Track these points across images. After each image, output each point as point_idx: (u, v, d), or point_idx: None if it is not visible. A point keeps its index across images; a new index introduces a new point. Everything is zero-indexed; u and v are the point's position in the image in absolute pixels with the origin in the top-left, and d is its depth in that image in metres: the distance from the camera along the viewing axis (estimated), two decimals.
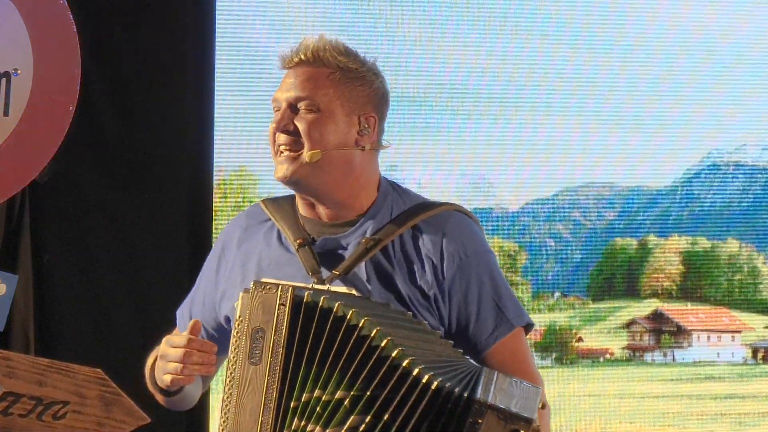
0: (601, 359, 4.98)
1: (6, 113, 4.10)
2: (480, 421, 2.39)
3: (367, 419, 2.45)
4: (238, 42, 5.09)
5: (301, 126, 2.71)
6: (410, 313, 2.64)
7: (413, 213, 2.74)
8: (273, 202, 2.84)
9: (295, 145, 2.70)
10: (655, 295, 4.96)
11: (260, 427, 2.49)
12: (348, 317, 2.49)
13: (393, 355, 2.46)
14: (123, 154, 4.99)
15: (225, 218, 5.13)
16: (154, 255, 4.98)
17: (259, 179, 5.12)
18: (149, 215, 4.99)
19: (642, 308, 4.98)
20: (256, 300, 2.52)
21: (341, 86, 2.73)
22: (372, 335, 2.48)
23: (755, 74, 4.79)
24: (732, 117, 4.81)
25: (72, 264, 4.98)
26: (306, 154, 2.69)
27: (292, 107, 2.72)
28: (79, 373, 3.32)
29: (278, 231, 2.78)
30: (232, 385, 2.52)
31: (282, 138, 2.72)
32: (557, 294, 5.04)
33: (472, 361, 2.56)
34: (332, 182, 2.72)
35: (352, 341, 2.49)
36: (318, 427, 2.48)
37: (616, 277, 5.00)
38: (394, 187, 2.81)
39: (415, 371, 2.44)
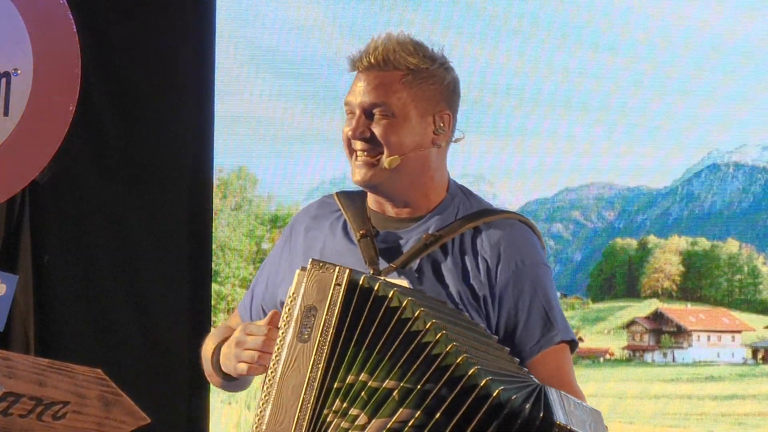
0: (601, 359, 4.98)
1: (6, 113, 4.10)
2: None
3: (417, 414, 2.43)
4: (238, 42, 5.09)
5: (378, 132, 2.72)
6: (466, 314, 2.64)
7: (477, 215, 2.76)
8: (346, 194, 2.87)
9: (373, 150, 2.73)
10: (655, 295, 4.96)
11: (301, 405, 2.47)
12: (403, 306, 2.48)
13: (446, 350, 2.43)
14: (123, 154, 4.99)
15: (225, 218, 5.13)
16: (154, 255, 4.98)
17: (259, 179, 5.12)
18: (149, 215, 4.99)
19: (642, 308, 4.98)
20: (311, 279, 2.51)
21: (414, 88, 2.73)
22: (426, 328, 2.46)
23: (755, 74, 4.79)
24: (732, 117, 4.81)
25: (72, 264, 4.98)
26: (386, 161, 2.71)
27: (367, 113, 2.73)
28: (79, 373, 3.32)
29: (345, 222, 2.81)
30: (277, 361, 2.50)
31: (359, 144, 2.73)
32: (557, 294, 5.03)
33: (531, 375, 2.53)
34: (409, 183, 2.75)
35: (404, 332, 2.47)
36: (363, 413, 2.46)
37: (616, 277, 5.00)
38: (463, 190, 2.83)
39: (471, 371, 2.41)
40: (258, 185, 5.13)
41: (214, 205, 5.06)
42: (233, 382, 2.82)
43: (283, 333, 2.51)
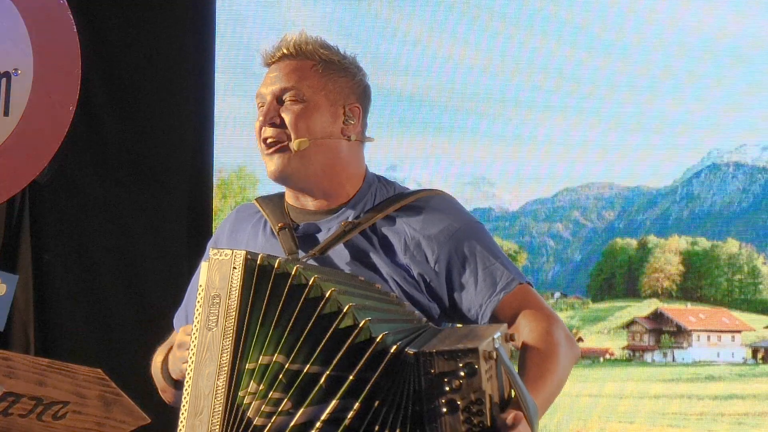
0: (601, 359, 4.98)
1: (6, 113, 4.10)
2: (432, 370, 2.37)
3: (356, 405, 2.41)
4: (238, 42, 5.09)
5: (287, 117, 2.76)
6: (378, 285, 2.64)
7: (394, 200, 2.78)
8: (264, 197, 2.91)
9: (282, 136, 2.76)
10: (655, 295, 4.96)
11: (215, 391, 2.48)
12: (310, 282, 2.47)
13: (344, 310, 2.43)
14: (123, 154, 4.99)
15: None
16: (154, 255, 4.98)
17: (259, 179, 5.12)
18: (149, 215, 4.99)
19: (642, 308, 4.98)
20: (213, 267, 2.53)
21: (325, 77, 2.78)
22: (327, 296, 2.45)
23: (755, 74, 4.79)
24: (732, 117, 4.81)
25: (72, 264, 4.98)
26: (294, 143, 2.74)
27: (278, 99, 2.78)
28: (79, 373, 3.32)
29: (265, 221, 2.83)
30: (193, 353, 2.51)
31: (269, 131, 2.78)
32: (557, 294, 5.04)
33: (424, 319, 2.58)
34: (320, 172, 2.77)
35: (302, 298, 2.47)
36: (285, 398, 2.45)
37: (616, 277, 5.00)
38: (380, 179, 2.85)
39: (361, 323, 2.42)
40: (258, 185, 5.13)
41: (214, 205, 5.06)
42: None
43: (195, 326, 2.52)
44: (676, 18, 4.84)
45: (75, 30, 4.14)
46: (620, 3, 4.88)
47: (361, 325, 2.43)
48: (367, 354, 2.41)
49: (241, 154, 5.11)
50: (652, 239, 4.96)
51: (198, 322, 2.51)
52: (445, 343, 2.42)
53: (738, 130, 4.85)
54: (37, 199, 4.88)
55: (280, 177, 2.77)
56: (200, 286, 2.53)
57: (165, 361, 2.81)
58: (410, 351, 2.40)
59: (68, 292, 4.96)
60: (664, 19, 4.85)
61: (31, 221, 4.89)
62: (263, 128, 2.79)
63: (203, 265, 2.55)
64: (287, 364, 2.46)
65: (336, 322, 2.44)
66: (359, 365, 2.41)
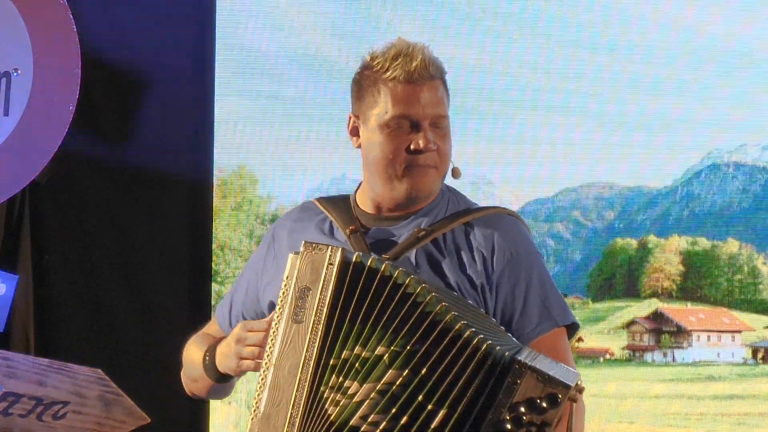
0: (601, 359, 4.97)
1: (6, 113, 4.10)
2: (519, 381, 2.42)
3: (405, 373, 2.46)
4: (238, 42, 5.09)
5: (441, 144, 2.74)
6: (459, 294, 2.67)
7: (466, 212, 2.79)
8: (327, 199, 2.89)
9: (435, 160, 2.74)
10: (655, 295, 4.96)
11: (298, 384, 2.50)
12: (395, 276, 2.50)
13: (436, 310, 2.47)
14: (123, 154, 4.99)
15: (225, 218, 5.13)
16: (154, 255, 4.98)
17: (259, 179, 5.12)
18: (149, 215, 4.99)
19: (642, 308, 4.98)
20: (305, 260, 2.54)
21: (447, 97, 2.78)
22: (417, 291, 2.49)
23: (755, 74, 4.79)
24: (732, 117, 4.81)
25: (72, 264, 4.97)
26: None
27: (433, 125, 2.74)
28: (79, 373, 3.33)
29: (330, 223, 2.82)
30: (273, 344, 2.52)
31: (432, 158, 2.73)
32: None
33: (514, 339, 2.60)
34: None
35: (396, 298, 2.50)
36: (355, 383, 2.48)
37: (616, 277, 5.00)
38: (451, 189, 2.85)
39: (457, 326, 2.46)
40: (258, 185, 5.13)
41: (214, 205, 5.05)
42: (223, 385, 2.83)
43: (278, 317, 2.53)
44: (678, 19, 4.84)
45: (75, 30, 4.14)
46: (622, 3, 4.88)
47: (457, 327, 2.46)
48: (465, 356, 2.45)
49: (241, 154, 5.11)
50: (652, 239, 4.96)
51: (281, 313, 2.53)
52: (539, 363, 2.45)
53: (738, 130, 4.85)
54: (37, 199, 4.88)
55: (422, 198, 2.77)
56: (286, 277, 2.54)
57: (210, 352, 2.81)
58: (508, 354, 2.44)
59: (68, 292, 4.96)
60: (666, 20, 4.84)
61: (31, 221, 4.89)
62: (427, 153, 2.73)
63: (291, 257, 2.55)
64: (370, 358, 2.49)
65: (429, 320, 2.48)
66: (455, 370, 2.45)
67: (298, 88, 5.06)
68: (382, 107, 2.73)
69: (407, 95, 2.72)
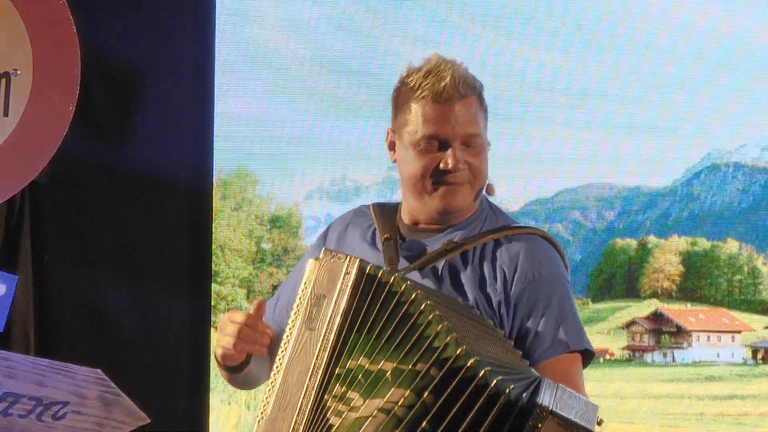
0: (601, 359, 4.98)
1: (6, 113, 4.10)
2: (540, 425, 2.38)
3: (407, 394, 2.44)
4: (238, 41, 5.09)
5: (473, 162, 2.73)
6: (477, 311, 2.66)
7: (500, 229, 2.78)
8: (381, 205, 2.90)
9: (467, 177, 2.74)
10: (654, 295, 4.96)
11: (305, 390, 2.51)
12: (401, 290, 2.49)
13: (437, 330, 2.44)
14: (123, 154, 4.99)
15: (225, 218, 5.13)
16: (154, 255, 4.98)
17: (259, 179, 5.12)
18: (149, 215, 4.99)
19: (642, 309, 4.98)
20: (323, 267, 2.55)
21: (483, 111, 2.76)
22: (421, 309, 2.47)
23: (755, 74, 4.79)
24: (732, 117, 4.81)
25: (72, 264, 4.97)
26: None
27: (464, 143, 2.73)
28: (79, 373, 3.32)
29: (374, 231, 2.83)
30: (285, 348, 2.54)
31: (462, 176, 2.72)
32: None
33: (531, 369, 2.54)
34: None
35: (400, 314, 2.48)
36: (358, 395, 2.48)
37: (616, 277, 5.00)
38: (491, 206, 2.84)
39: (458, 351, 2.41)
40: (258, 185, 5.13)
41: (214, 205, 5.06)
42: (235, 376, 2.83)
43: (293, 321, 2.55)
44: (680, 18, 4.84)
45: (75, 30, 4.14)
46: (625, 4, 4.88)
47: (458, 353, 2.41)
48: (483, 399, 2.39)
49: (241, 154, 5.11)
50: (652, 239, 4.96)
51: (296, 317, 2.54)
52: (560, 403, 2.41)
53: (738, 130, 4.85)
54: (37, 199, 4.88)
55: (454, 213, 2.76)
56: (304, 282, 2.56)
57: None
58: (525, 395, 2.38)
59: (68, 292, 4.96)
60: (668, 19, 4.85)
61: (31, 221, 4.88)
62: (459, 172, 2.72)
63: (312, 262, 2.57)
64: (374, 372, 2.48)
65: (429, 341, 2.44)
66: (473, 410, 2.40)
67: (298, 88, 5.06)
68: (413, 126, 2.73)
69: (436, 115, 2.71)
